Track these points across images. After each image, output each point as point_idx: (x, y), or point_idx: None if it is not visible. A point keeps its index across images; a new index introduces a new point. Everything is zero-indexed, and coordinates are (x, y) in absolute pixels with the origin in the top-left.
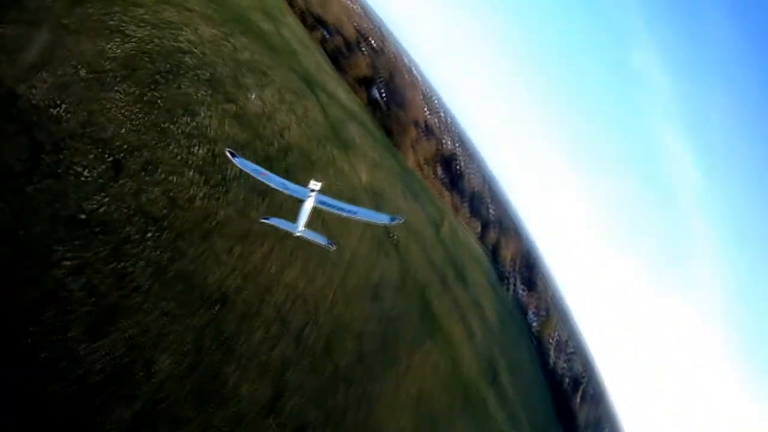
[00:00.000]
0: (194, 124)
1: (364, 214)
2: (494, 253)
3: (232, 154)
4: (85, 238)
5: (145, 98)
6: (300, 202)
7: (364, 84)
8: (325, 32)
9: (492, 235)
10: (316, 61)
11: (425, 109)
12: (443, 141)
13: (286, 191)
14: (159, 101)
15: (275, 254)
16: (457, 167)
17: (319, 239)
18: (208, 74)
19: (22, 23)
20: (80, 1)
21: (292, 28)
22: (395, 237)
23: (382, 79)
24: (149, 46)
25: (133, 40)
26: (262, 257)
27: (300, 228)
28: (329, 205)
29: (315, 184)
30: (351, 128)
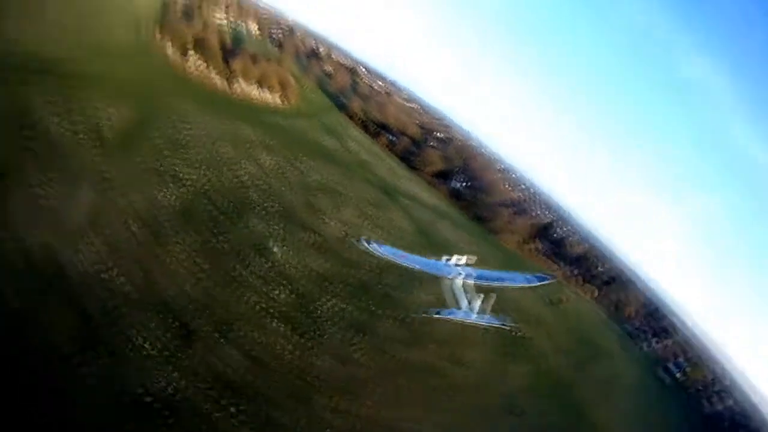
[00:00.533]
0: (270, 264)
1: (519, 279)
2: (618, 312)
3: (367, 242)
4: (153, 427)
5: (209, 245)
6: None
7: (441, 177)
8: (389, 136)
9: (610, 294)
10: (388, 166)
11: (507, 185)
12: (535, 213)
13: (430, 271)
14: (225, 245)
15: (385, 397)
16: (555, 234)
17: (495, 321)
18: (277, 205)
19: (63, 184)
20: (125, 151)
21: (357, 139)
22: (517, 332)
23: (457, 167)
24: (206, 187)
25: (187, 183)
26: (373, 406)
27: (466, 308)
28: (482, 278)
29: (460, 259)
30: (441, 228)
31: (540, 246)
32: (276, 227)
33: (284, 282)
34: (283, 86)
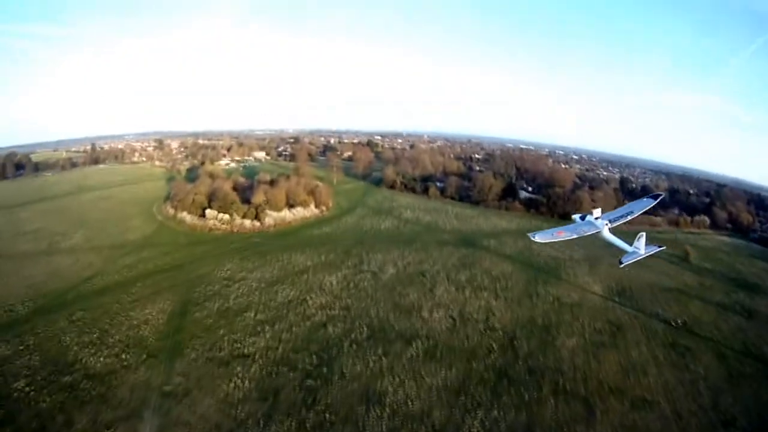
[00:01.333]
0: (389, 409)
1: (641, 205)
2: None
3: (532, 235)
4: None
5: (308, 424)
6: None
7: (506, 196)
8: (437, 183)
9: (721, 213)
10: (454, 214)
11: (561, 165)
12: (602, 175)
13: (585, 232)
14: (329, 415)
15: None
16: (634, 185)
17: (656, 248)
18: (365, 328)
19: (120, 422)
20: (178, 353)
21: (410, 205)
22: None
23: (511, 176)
24: (280, 350)
25: (256, 356)
26: None
27: (631, 248)
28: (616, 218)
29: (597, 212)
30: (538, 248)
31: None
32: (375, 357)
33: (414, 425)
34: (314, 194)
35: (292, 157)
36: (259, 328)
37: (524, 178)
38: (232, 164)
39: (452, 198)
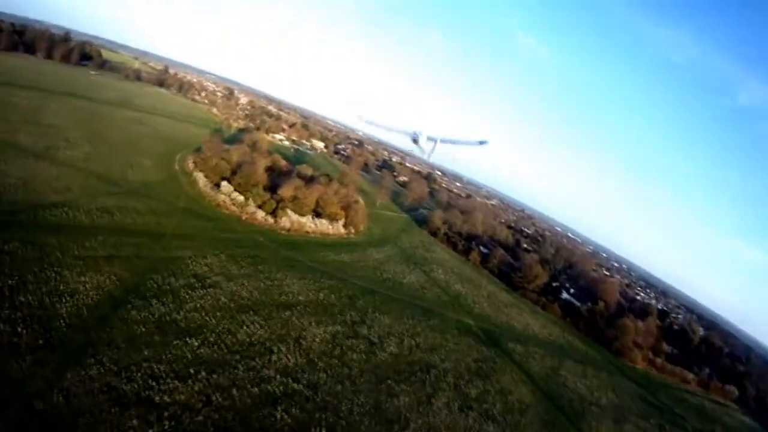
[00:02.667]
0: None
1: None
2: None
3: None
4: None
5: None
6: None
7: (548, 293)
8: (481, 248)
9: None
10: (487, 293)
11: (608, 273)
12: (653, 309)
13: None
14: None
15: None
16: (673, 324)
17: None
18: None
19: None
20: (75, 359)
21: (446, 263)
22: None
23: (559, 269)
24: (200, 417)
25: (165, 413)
26: None
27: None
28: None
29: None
30: (565, 375)
31: (667, 349)
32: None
33: None
34: (348, 210)
35: (347, 160)
36: (192, 370)
37: (568, 273)
38: (286, 142)
39: (492, 271)
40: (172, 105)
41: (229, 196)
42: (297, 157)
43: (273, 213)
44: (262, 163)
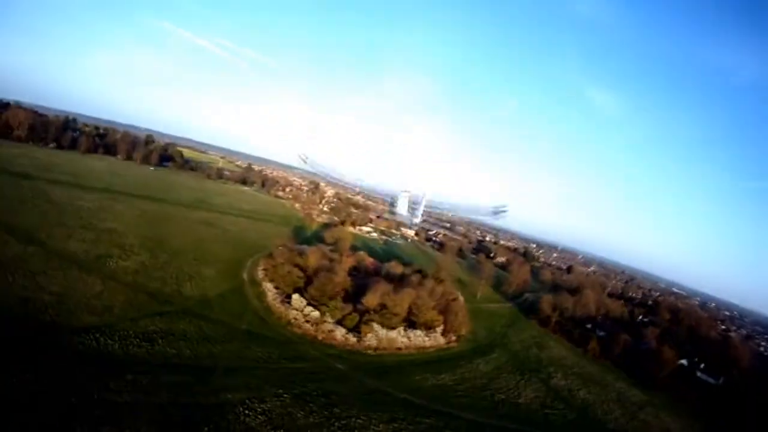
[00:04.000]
0: None
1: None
2: None
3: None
4: None
5: None
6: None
7: (680, 378)
8: (598, 332)
9: None
10: (617, 394)
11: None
12: None
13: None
14: None
15: None
16: None
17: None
18: None
19: None
20: None
21: (563, 362)
22: None
23: (683, 341)
24: None
25: None
26: None
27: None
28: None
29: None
30: None
31: None
32: None
33: None
34: (447, 312)
35: (441, 247)
36: None
37: (692, 343)
38: (374, 234)
39: (615, 362)
40: (251, 203)
41: (302, 311)
42: (386, 251)
43: (356, 329)
44: (345, 265)
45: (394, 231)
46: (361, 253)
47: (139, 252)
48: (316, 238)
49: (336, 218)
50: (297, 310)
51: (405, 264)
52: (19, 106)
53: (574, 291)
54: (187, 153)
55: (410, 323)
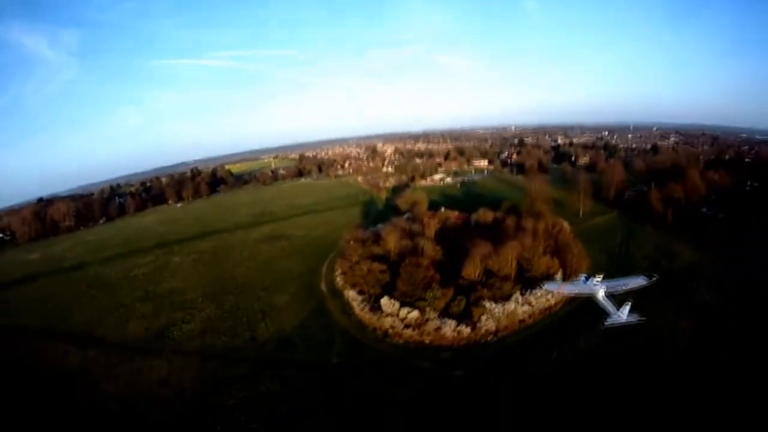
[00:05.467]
0: None
1: (632, 282)
2: None
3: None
4: None
5: None
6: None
7: None
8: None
9: None
10: None
11: None
12: None
13: (584, 292)
14: None
15: None
16: None
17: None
18: None
19: None
20: None
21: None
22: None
23: None
24: None
25: None
26: None
27: (616, 312)
28: (613, 287)
29: (599, 277)
30: None
31: None
32: None
33: None
34: (558, 250)
35: (520, 168)
36: None
37: None
38: (448, 179)
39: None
40: (311, 195)
41: (397, 315)
42: (466, 194)
43: (466, 314)
44: (430, 233)
45: (466, 167)
46: (443, 210)
47: (202, 306)
48: (390, 209)
49: (404, 177)
50: (391, 315)
51: (492, 205)
52: (59, 198)
53: (675, 174)
54: (237, 168)
55: (525, 282)
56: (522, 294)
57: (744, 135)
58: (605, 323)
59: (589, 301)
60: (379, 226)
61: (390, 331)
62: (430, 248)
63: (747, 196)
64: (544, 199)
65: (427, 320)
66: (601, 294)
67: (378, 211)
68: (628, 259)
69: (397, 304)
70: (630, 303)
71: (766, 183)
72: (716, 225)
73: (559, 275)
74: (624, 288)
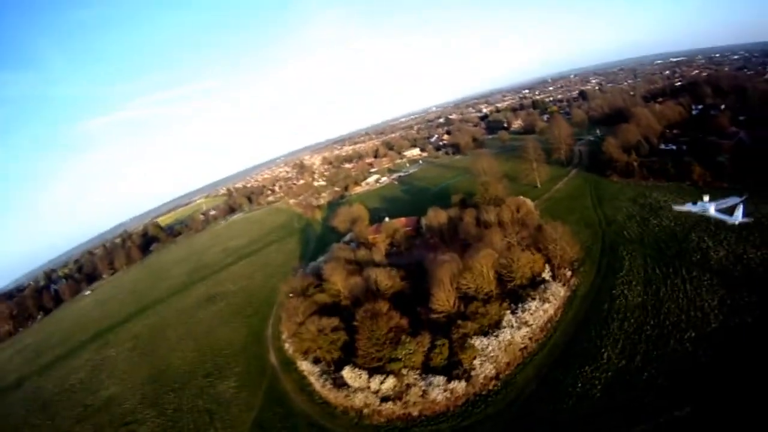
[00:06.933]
0: None
1: (731, 201)
2: None
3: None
4: None
5: None
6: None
7: None
8: (671, 147)
9: None
10: None
11: None
12: None
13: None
14: None
15: None
16: None
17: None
18: None
19: None
20: None
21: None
22: None
23: None
24: None
25: None
26: None
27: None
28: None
29: (707, 197)
30: None
31: None
32: None
33: None
34: (544, 243)
35: (455, 148)
36: None
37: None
38: (384, 179)
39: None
40: (244, 233)
41: (369, 388)
42: (407, 191)
43: (453, 363)
44: (381, 263)
45: (399, 161)
46: (387, 221)
47: (144, 417)
48: (330, 232)
49: (337, 188)
50: (361, 389)
51: (441, 199)
52: None
53: (620, 117)
54: (171, 217)
55: (511, 296)
56: (514, 313)
57: (659, 61)
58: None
59: (592, 291)
60: (320, 259)
61: (365, 410)
62: (384, 279)
63: (696, 120)
64: (495, 179)
65: (408, 386)
66: (712, 210)
67: (317, 237)
68: (614, 226)
69: (364, 374)
70: (741, 206)
71: (707, 103)
72: (690, 164)
73: (548, 273)
74: (726, 205)
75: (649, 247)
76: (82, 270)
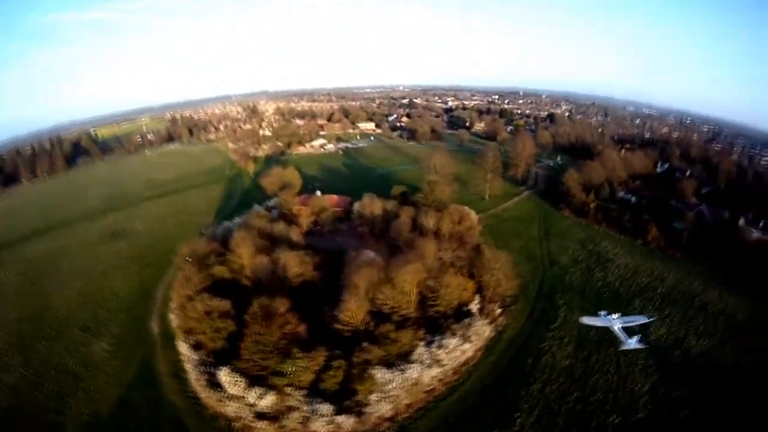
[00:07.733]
0: None
1: (639, 319)
2: None
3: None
4: None
5: None
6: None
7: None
8: (630, 198)
9: None
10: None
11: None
12: None
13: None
14: None
15: None
16: None
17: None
18: None
19: None
20: None
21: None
22: None
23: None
24: None
25: None
26: None
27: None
28: (626, 322)
29: (615, 315)
30: None
31: None
32: None
33: None
34: (475, 265)
35: (411, 134)
36: None
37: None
38: (330, 146)
39: (686, 252)
40: (174, 167)
41: (244, 398)
42: (350, 165)
43: (346, 392)
44: (298, 243)
45: (351, 131)
46: (318, 195)
47: (9, 364)
48: (257, 190)
49: (280, 143)
50: (236, 398)
51: (381, 184)
52: None
53: (587, 152)
54: (108, 131)
55: (429, 324)
56: (429, 345)
57: (631, 108)
58: (620, 348)
59: (519, 337)
60: (236, 221)
61: (236, 423)
62: (294, 265)
63: (661, 178)
64: (445, 180)
65: (290, 408)
66: (617, 327)
67: (243, 191)
68: (557, 269)
69: (242, 382)
70: (639, 335)
71: (674, 164)
72: (648, 223)
73: (475, 305)
74: (633, 323)
75: (588, 302)
76: (3, 171)
